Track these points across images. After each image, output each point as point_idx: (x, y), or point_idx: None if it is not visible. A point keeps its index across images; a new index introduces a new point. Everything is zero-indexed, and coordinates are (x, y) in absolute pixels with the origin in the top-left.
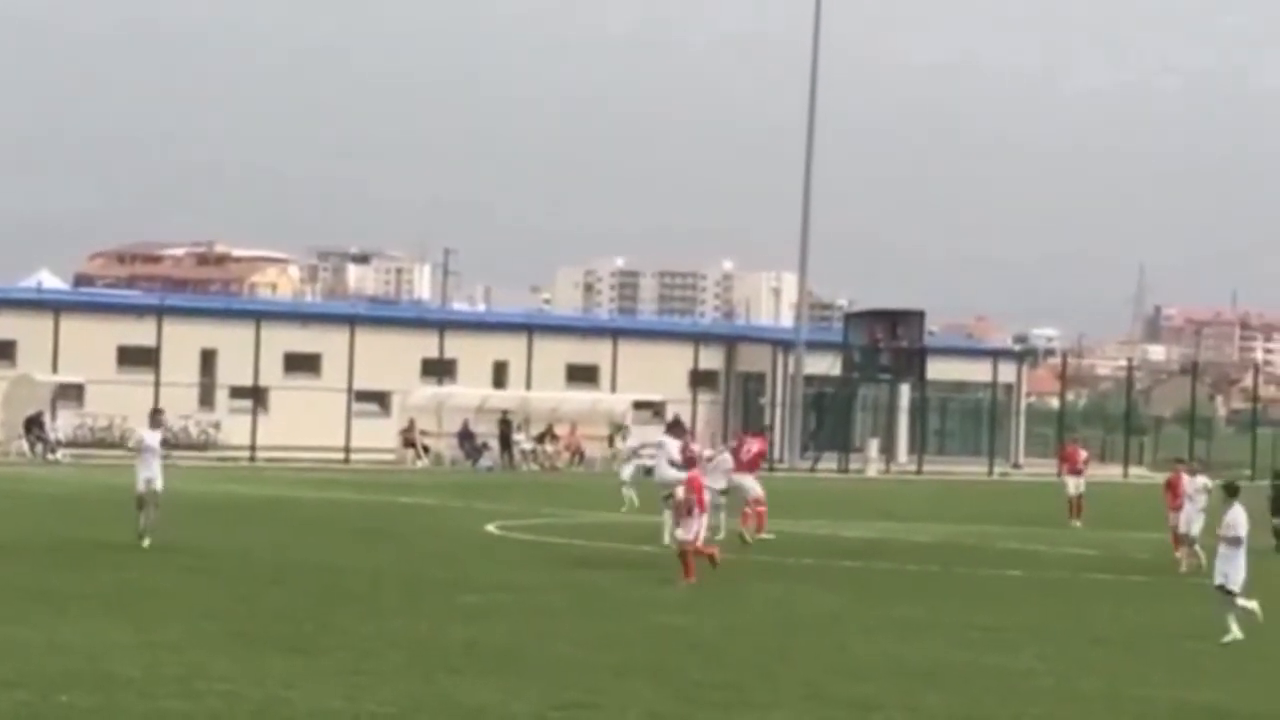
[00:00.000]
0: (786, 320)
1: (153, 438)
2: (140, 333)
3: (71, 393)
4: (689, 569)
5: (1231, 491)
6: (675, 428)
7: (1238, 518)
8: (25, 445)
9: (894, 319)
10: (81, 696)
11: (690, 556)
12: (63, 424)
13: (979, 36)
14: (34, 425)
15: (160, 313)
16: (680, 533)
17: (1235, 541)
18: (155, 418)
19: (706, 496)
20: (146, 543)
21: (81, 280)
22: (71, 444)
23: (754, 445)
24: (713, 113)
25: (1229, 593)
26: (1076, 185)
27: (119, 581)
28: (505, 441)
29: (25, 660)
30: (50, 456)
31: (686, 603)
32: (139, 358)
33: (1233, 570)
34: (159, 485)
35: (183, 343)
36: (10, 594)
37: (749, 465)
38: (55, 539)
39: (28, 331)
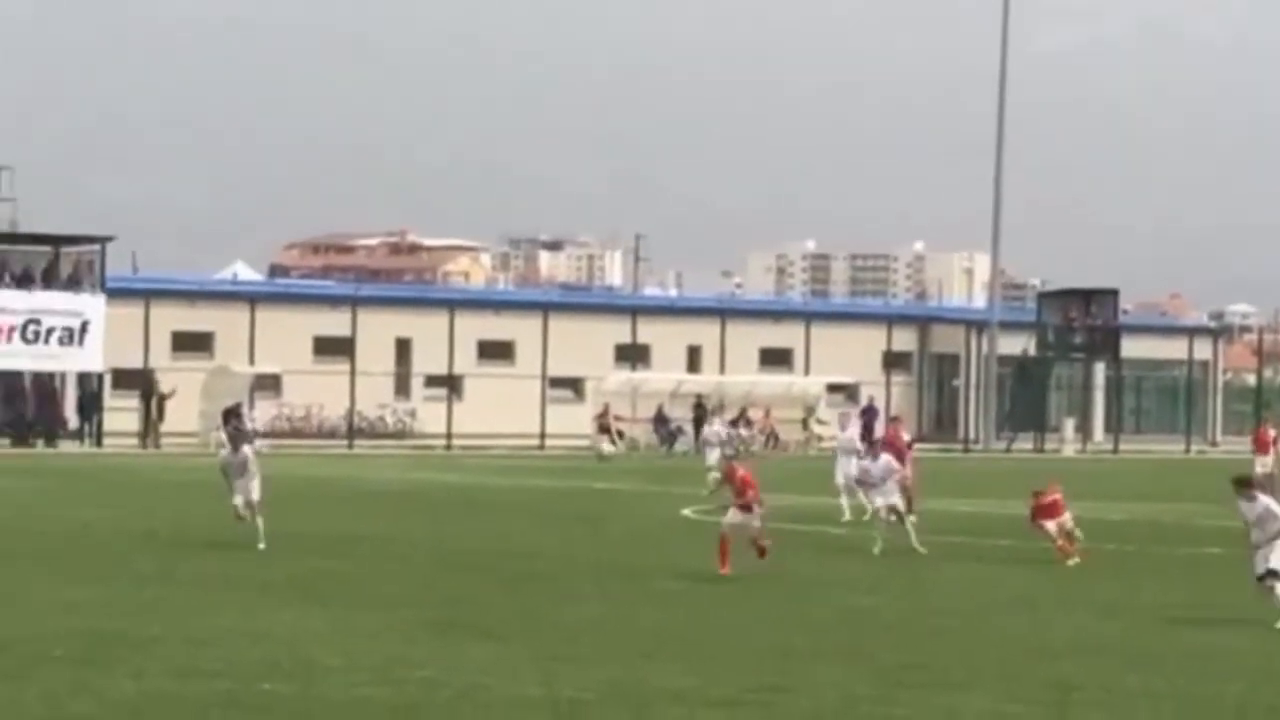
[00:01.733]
0: (979, 301)
1: (233, 455)
2: (335, 323)
3: (269, 383)
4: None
5: (1243, 485)
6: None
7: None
8: (223, 435)
9: (1087, 297)
10: (282, 684)
11: (728, 545)
12: (260, 414)
13: (1171, 5)
14: (232, 416)
15: (355, 302)
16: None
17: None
18: (230, 425)
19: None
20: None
21: (276, 271)
22: (269, 434)
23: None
24: (903, 92)
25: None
26: (1272, 156)
27: (316, 570)
28: (699, 426)
29: (226, 649)
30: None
31: (879, 584)
32: (334, 347)
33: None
34: (255, 497)
35: (377, 332)
36: (210, 584)
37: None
38: (254, 528)
39: (225, 323)
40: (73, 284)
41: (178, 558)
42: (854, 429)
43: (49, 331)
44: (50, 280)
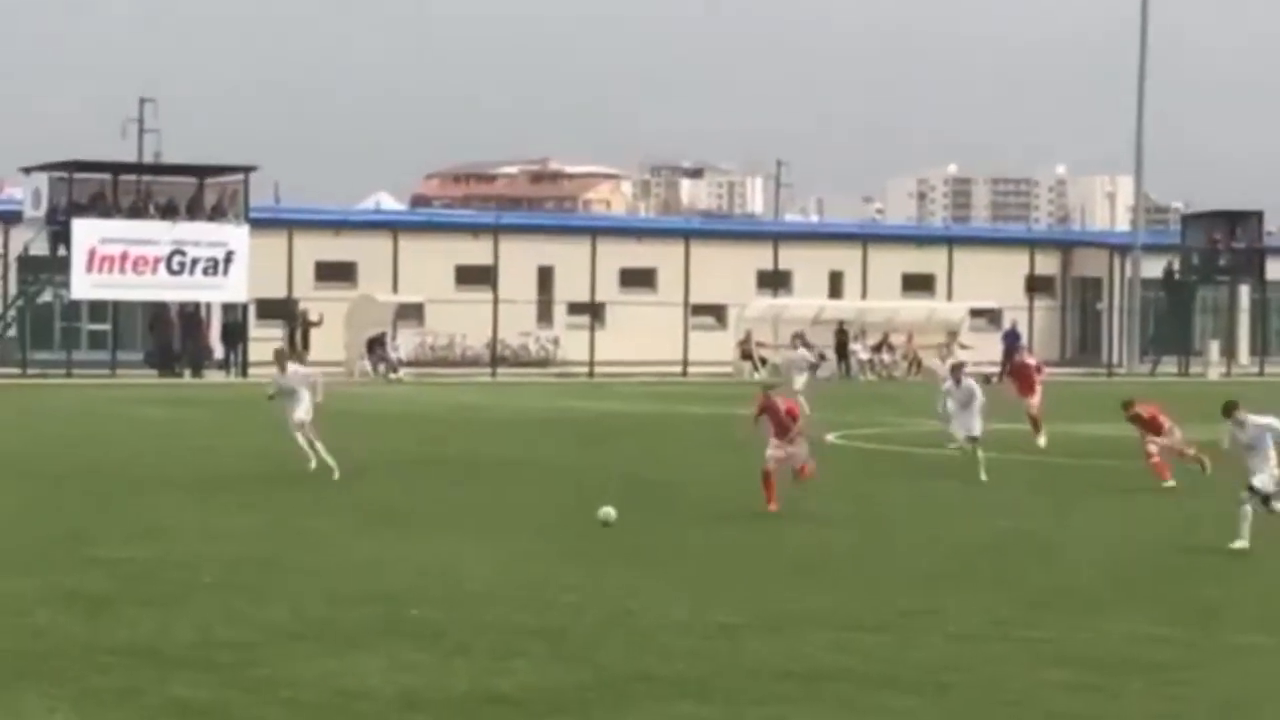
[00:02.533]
0: (1121, 225)
1: (283, 378)
2: (477, 251)
3: (411, 312)
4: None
5: (1230, 410)
6: (1008, 336)
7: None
8: (368, 365)
9: (1232, 220)
10: (431, 610)
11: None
12: (404, 343)
13: None
14: (376, 345)
15: (497, 231)
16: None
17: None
18: (279, 359)
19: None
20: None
21: (418, 201)
22: (413, 363)
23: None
24: (1046, 13)
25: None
26: None
27: (463, 497)
28: (842, 351)
29: (376, 575)
30: (392, 376)
31: (1024, 509)
32: (477, 276)
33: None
34: (301, 416)
35: (519, 260)
36: (359, 512)
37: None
38: (401, 457)
39: (367, 252)
40: (217, 215)
41: (325, 486)
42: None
43: (194, 262)
44: (195, 211)
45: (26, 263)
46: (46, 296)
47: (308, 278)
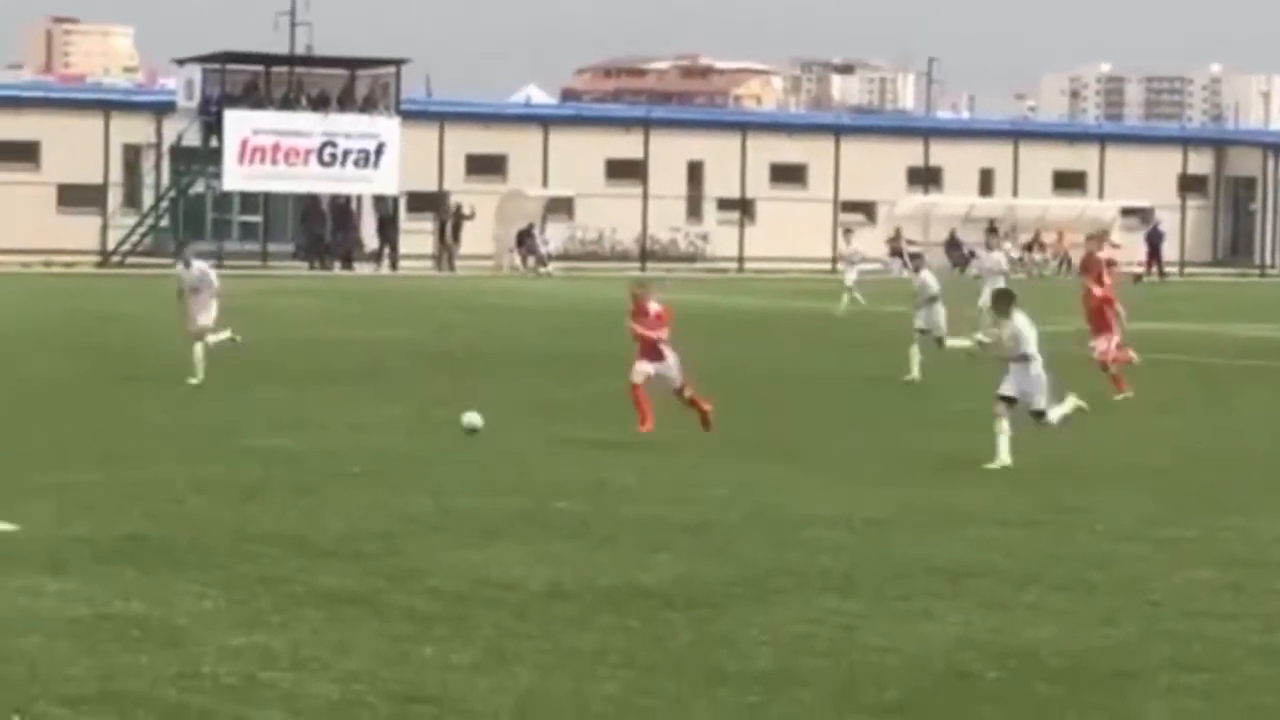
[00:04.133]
0: (1276, 124)
1: (187, 274)
2: (627, 146)
3: (561, 206)
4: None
5: (1003, 301)
6: (1153, 234)
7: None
8: (517, 259)
9: None
10: (577, 503)
11: None
12: (553, 237)
13: None
14: (525, 239)
15: (647, 125)
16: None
17: (1022, 359)
18: (180, 251)
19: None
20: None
21: (568, 95)
22: (562, 257)
23: None
24: None
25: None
26: None
27: (609, 391)
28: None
29: (523, 468)
30: (541, 270)
31: (1178, 407)
32: (627, 170)
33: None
34: (202, 321)
35: (669, 155)
36: (506, 405)
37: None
38: (547, 351)
39: (518, 146)
40: (368, 107)
41: (471, 379)
42: (999, 253)
43: (345, 154)
44: (346, 103)
45: (179, 154)
46: (199, 188)
47: (458, 171)
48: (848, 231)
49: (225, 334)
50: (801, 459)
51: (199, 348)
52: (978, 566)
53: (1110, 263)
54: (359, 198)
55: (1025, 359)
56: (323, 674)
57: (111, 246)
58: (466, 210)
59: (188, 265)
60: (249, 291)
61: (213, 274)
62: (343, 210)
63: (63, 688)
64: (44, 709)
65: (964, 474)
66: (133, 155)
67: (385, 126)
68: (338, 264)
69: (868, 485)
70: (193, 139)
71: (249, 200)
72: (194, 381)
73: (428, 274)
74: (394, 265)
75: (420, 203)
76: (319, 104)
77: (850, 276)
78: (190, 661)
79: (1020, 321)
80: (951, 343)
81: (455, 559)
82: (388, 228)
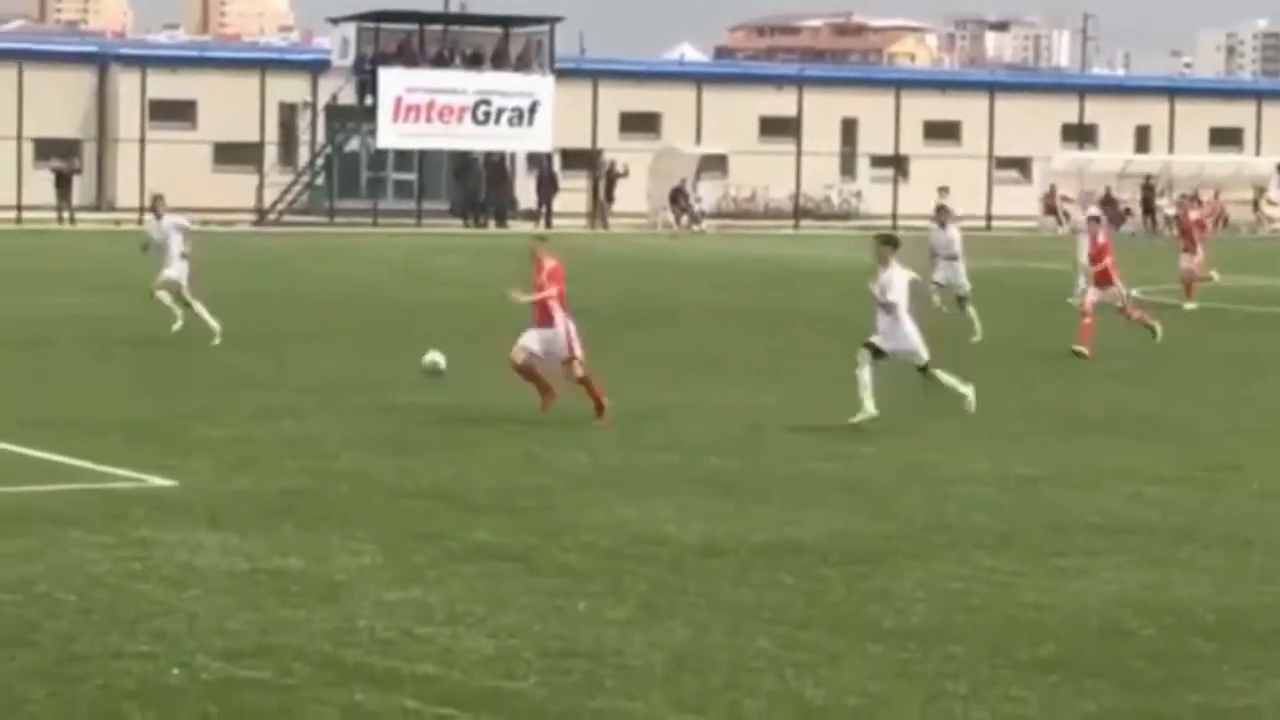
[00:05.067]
0: None
1: (156, 227)
2: (781, 103)
3: (715, 164)
4: None
5: (884, 246)
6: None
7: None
8: (671, 216)
9: None
10: (729, 458)
11: None
12: (706, 195)
13: None
14: (679, 196)
15: (801, 83)
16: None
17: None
18: (155, 205)
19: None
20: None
21: (722, 53)
22: (716, 215)
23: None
24: None
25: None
26: None
27: (766, 347)
28: (1148, 207)
29: (676, 424)
30: (695, 228)
31: None
32: (780, 128)
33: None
34: (175, 275)
35: (823, 113)
36: (665, 361)
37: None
38: (700, 307)
39: (671, 104)
40: (522, 65)
41: (622, 334)
42: (953, 229)
43: (499, 112)
44: (500, 61)
45: (334, 112)
46: (354, 145)
47: (612, 128)
48: (943, 190)
49: (175, 307)
50: (955, 414)
51: (197, 304)
52: (1132, 523)
53: (1200, 223)
54: (513, 155)
55: (890, 308)
56: (478, 629)
57: (267, 204)
58: (620, 168)
59: (158, 218)
60: (404, 249)
61: (180, 231)
62: (497, 168)
63: (221, 641)
64: (203, 662)
65: (1117, 430)
66: (288, 114)
67: (539, 84)
68: (492, 222)
69: (1021, 442)
70: (347, 97)
71: (403, 158)
72: (216, 341)
73: (581, 231)
74: (548, 223)
75: (574, 160)
76: (473, 62)
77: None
78: (347, 616)
79: (894, 271)
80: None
81: (609, 515)
82: (546, 185)
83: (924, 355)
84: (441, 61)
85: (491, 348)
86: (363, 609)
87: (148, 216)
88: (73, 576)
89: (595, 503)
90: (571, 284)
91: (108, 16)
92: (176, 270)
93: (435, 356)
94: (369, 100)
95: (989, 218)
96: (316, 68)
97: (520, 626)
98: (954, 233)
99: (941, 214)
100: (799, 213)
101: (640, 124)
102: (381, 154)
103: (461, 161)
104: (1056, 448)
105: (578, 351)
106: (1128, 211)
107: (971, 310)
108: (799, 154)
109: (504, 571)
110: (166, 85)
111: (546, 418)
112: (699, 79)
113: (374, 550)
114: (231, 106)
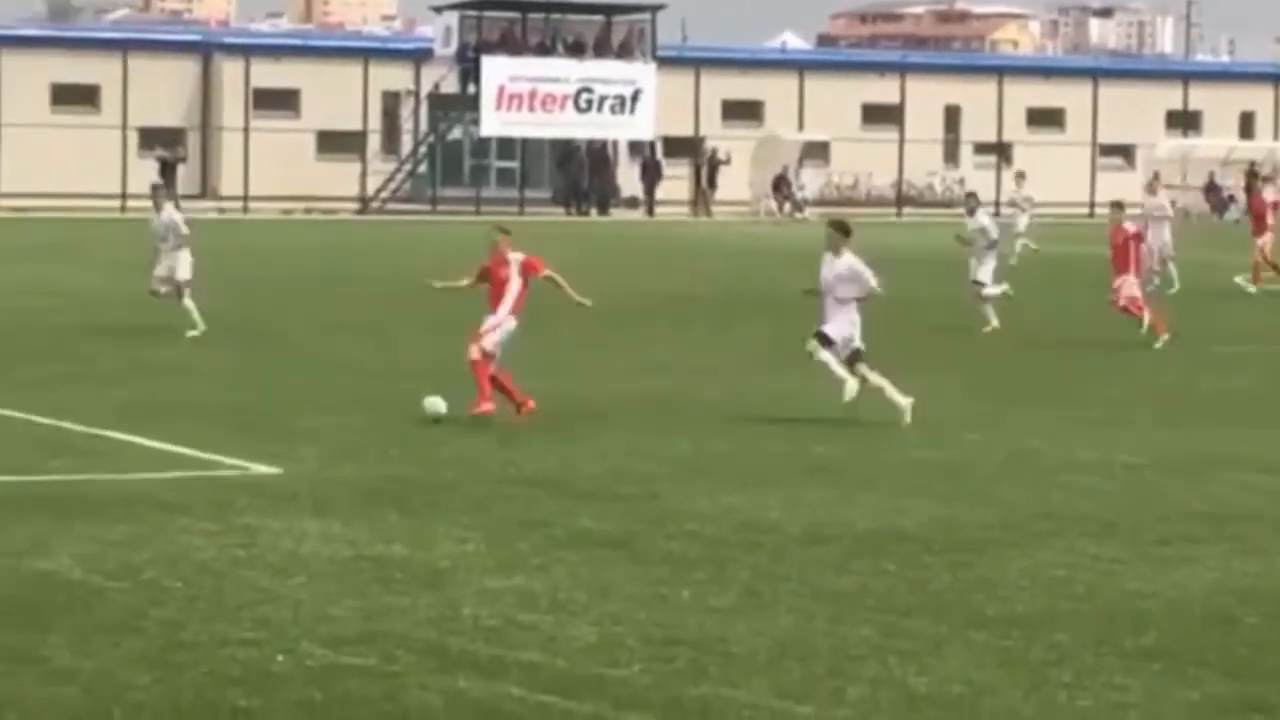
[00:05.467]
0: None
1: (157, 220)
2: (883, 90)
3: (817, 151)
4: None
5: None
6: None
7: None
8: (773, 204)
9: None
10: (836, 446)
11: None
12: (809, 182)
13: None
14: (781, 184)
15: (903, 70)
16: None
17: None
18: (155, 196)
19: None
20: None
21: (824, 41)
22: (818, 202)
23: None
24: None
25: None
26: None
27: (870, 335)
28: (1251, 192)
29: (781, 412)
30: (797, 215)
31: None
32: (883, 115)
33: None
34: (182, 275)
35: (926, 100)
36: (763, 349)
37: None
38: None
39: (774, 91)
40: (624, 53)
41: (729, 322)
42: (1163, 196)
43: (601, 100)
44: (602, 50)
45: (437, 100)
46: (456, 134)
47: (714, 116)
48: (1019, 176)
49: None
50: (1059, 402)
51: (186, 300)
52: (1237, 511)
53: (1276, 204)
54: (615, 143)
55: (841, 301)
56: (581, 616)
57: (370, 193)
58: (722, 156)
59: (158, 210)
60: None
61: (180, 222)
62: (599, 156)
63: (326, 628)
64: (307, 649)
65: (1223, 418)
66: (391, 102)
67: (641, 72)
68: (594, 210)
69: (1126, 429)
70: (450, 86)
71: (506, 146)
72: (193, 333)
73: (684, 219)
74: (650, 211)
75: (676, 148)
76: (575, 50)
77: (1022, 222)
78: (451, 603)
79: (848, 258)
80: (988, 290)
81: (714, 503)
82: (650, 173)
83: (858, 342)
84: (544, 50)
85: (592, 336)
86: (466, 596)
87: (151, 212)
88: (179, 564)
89: (699, 490)
90: (676, 273)
91: (211, 5)
92: (168, 266)
93: (435, 402)
94: (471, 89)
95: (1092, 205)
96: (419, 56)
97: (624, 614)
98: (984, 220)
99: (970, 201)
100: (901, 200)
101: (742, 112)
102: (484, 142)
103: (564, 149)
104: (1161, 435)
105: (489, 344)
106: (1231, 198)
107: (989, 307)
108: (901, 141)
109: (607, 559)
110: (270, 74)
111: (650, 407)
112: (801, 67)
113: (478, 537)
114: (335, 95)
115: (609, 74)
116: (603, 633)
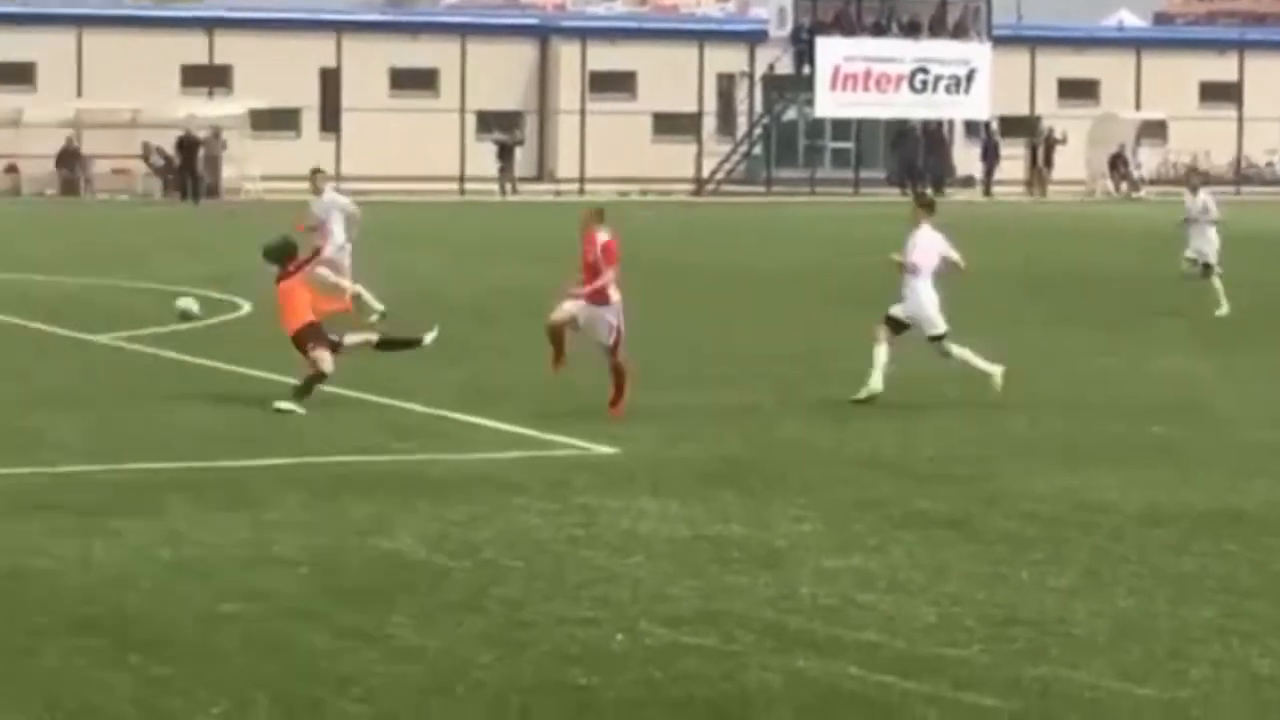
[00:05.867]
0: None
1: (317, 203)
2: (1222, 68)
3: (1154, 130)
4: None
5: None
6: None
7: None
8: (1109, 183)
9: None
10: (1173, 427)
11: None
12: (1146, 161)
13: None
14: (1118, 163)
15: (1242, 47)
16: None
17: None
18: (314, 179)
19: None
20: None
21: (1161, 19)
22: (1155, 181)
23: None
24: None
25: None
26: None
27: (1198, 315)
28: None
29: (1116, 391)
30: (1134, 194)
31: None
32: (1221, 93)
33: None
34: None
35: (1266, 78)
36: (1097, 327)
37: None
38: (1138, 275)
39: (1110, 70)
40: (959, 33)
41: (1056, 299)
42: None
43: (936, 80)
44: (937, 29)
45: (771, 81)
46: (791, 115)
47: (1050, 95)
48: (1191, 171)
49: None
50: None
51: (358, 286)
52: None
53: None
54: (950, 123)
55: (914, 270)
56: (919, 596)
57: (705, 174)
58: (1058, 135)
59: (318, 193)
60: (839, 218)
61: (342, 212)
62: (935, 136)
63: (664, 607)
64: (646, 628)
65: None
66: (726, 84)
67: (976, 52)
68: (929, 190)
69: None
70: (785, 67)
71: (840, 127)
72: (374, 318)
73: (1019, 199)
74: (986, 191)
75: (1011, 128)
76: (910, 30)
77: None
78: (788, 583)
79: (924, 232)
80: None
81: (1050, 483)
82: (990, 154)
83: (939, 326)
84: (879, 30)
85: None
86: (804, 576)
87: (309, 195)
88: (518, 543)
89: (1036, 471)
90: (1013, 253)
91: None
92: (336, 249)
93: (187, 303)
94: (806, 69)
95: None
96: (754, 38)
97: (962, 594)
98: (1205, 198)
99: (1194, 178)
100: (1240, 179)
101: (1079, 91)
102: (819, 123)
103: (899, 130)
104: None
105: (622, 343)
106: None
107: (1216, 281)
108: (1240, 120)
109: (944, 539)
110: (606, 57)
111: (984, 387)
112: (1138, 44)
113: (814, 518)
114: (670, 77)
115: (944, 54)
116: (941, 613)
